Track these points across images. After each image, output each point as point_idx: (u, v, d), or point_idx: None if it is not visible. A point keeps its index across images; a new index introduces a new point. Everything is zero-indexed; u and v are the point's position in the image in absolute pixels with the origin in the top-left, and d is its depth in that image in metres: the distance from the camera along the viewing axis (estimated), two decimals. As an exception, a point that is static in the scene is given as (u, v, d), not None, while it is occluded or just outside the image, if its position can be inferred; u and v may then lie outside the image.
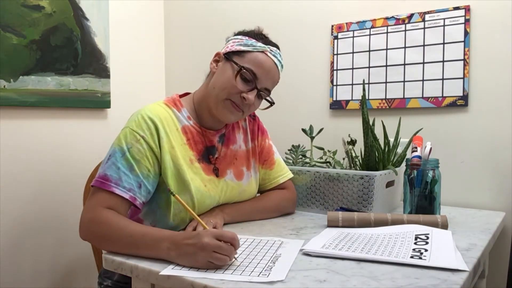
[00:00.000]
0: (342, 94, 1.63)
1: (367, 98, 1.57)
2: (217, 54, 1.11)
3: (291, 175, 1.29)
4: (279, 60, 1.09)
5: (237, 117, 1.10)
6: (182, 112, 1.10)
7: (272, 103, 1.13)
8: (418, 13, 1.47)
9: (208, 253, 0.77)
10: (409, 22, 1.49)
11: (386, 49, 1.53)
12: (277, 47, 1.12)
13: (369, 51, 1.57)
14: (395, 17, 1.51)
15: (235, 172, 1.16)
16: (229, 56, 1.07)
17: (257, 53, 1.06)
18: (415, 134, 1.29)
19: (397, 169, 1.27)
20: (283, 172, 1.27)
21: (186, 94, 1.19)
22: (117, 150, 0.99)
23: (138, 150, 0.99)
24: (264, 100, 1.12)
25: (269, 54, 1.07)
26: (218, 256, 0.77)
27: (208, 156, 1.12)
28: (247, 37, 1.08)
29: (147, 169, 1.00)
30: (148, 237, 0.86)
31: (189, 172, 1.05)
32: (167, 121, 1.06)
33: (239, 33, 1.12)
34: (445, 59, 1.43)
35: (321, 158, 1.41)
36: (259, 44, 1.07)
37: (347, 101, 1.62)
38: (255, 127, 1.27)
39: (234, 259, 0.80)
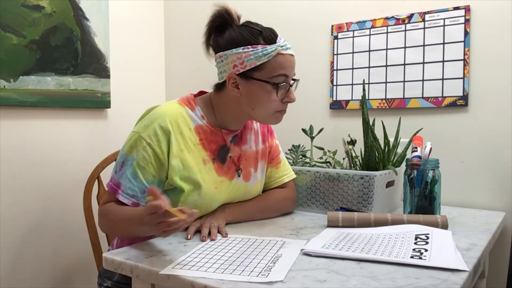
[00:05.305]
0: (342, 94, 1.63)
1: (367, 98, 1.57)
2: (231, 77, 1.03)
3: (295, 175, 1.30)
4: (288, 47, 1.04)
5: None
6: (196, 111, 1.09)
7: (296, 80, 1.11)
8: (418, 13, 1.47)
9: (153, 228, 0.83)
10: (409, 22, 1.49)
11: (386, 49, 1.53)
12: (274, 32, 1.05)
13: (369, 51, 1.57)
14: (395, 17, 1.51)
15: (243, 173, 1.17)
16: (248, 75, 1.02)
17: (274, 58, 1.01)
18: (415, 134, 1.29)
19: (397, 169, 1.27)
20: (288, 172, 1.28)
21: (201, 92, 1.18)
22: (128, 159, 1.03)
23: (143, 157, 1.01)
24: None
25: (282, 51, 1.02)
26: (160, 227, 0.82)
27: (224, 156, 1.12)
28: (250, 47, 1.00)
29: (152, 175, 1.02)
30: (136, 214, 0.93)
31: (200, 174, 1.06)
32: (180, 122, 1.05)
33: (232, 44, 1.02)
34: (445, 59, 1.43)
35: (321, 158, 1.41)
36: (269, 47, 1.00)
37: (347, 101, 1.62)
38: (265, 128, 1.27)
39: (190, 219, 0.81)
